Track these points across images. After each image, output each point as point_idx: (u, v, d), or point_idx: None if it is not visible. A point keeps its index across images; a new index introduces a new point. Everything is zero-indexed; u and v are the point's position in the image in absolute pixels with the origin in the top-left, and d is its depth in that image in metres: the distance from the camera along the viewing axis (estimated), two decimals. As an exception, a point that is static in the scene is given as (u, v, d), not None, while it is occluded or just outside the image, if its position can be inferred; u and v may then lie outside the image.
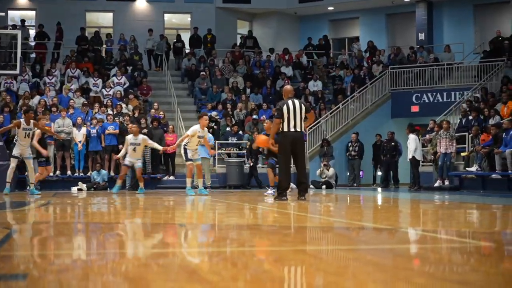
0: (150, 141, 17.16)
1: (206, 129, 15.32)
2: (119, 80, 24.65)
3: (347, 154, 23.83)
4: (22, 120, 15.54)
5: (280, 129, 11.49)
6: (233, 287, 3.17)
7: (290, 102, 11.49)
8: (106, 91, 23.95)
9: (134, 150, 16.71)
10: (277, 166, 13.03)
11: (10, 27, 25.22)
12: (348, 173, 24.16)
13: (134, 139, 16.68)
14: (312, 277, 3.47)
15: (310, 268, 3.72)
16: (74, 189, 19.56)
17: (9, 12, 29.20)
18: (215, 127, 23.00)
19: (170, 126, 21.84)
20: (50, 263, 4.16)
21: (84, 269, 3.86)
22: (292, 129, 11.34)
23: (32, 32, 29.63)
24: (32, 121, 15.50)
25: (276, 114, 11.58)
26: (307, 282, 3.34)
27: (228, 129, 22.89)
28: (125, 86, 24.61)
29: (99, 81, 24.50)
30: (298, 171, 11.72)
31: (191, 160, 15.07)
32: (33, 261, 4.26)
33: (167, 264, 3.99)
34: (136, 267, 3.87)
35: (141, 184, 16.89)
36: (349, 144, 23.81)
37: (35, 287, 3.30)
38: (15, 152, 15.60)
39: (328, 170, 21.74)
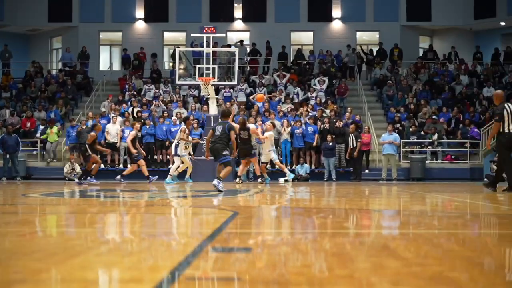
0: None
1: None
2: (321, 87, 29.14)
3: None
4: None
5: (501, 129, 12.24)
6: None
7: (506, 105, 12.22)
8: (310, 97, 28.37)
9: None
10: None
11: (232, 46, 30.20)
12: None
13: None
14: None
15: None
16: (281, 180, 21.22)
17: (228, 34, 33.96)
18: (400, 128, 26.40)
19: (366, 127, 24.77)
20: (269, 240, 4.64)
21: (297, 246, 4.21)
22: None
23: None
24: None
25: (497, 117, 12.21)
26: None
27: (410, 129, 26.08)
28: (323, 90, 28.89)
29: (298, 89, 29.00)
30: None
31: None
32: (255, 238, 4.71)
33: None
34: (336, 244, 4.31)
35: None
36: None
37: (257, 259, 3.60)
38: None
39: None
